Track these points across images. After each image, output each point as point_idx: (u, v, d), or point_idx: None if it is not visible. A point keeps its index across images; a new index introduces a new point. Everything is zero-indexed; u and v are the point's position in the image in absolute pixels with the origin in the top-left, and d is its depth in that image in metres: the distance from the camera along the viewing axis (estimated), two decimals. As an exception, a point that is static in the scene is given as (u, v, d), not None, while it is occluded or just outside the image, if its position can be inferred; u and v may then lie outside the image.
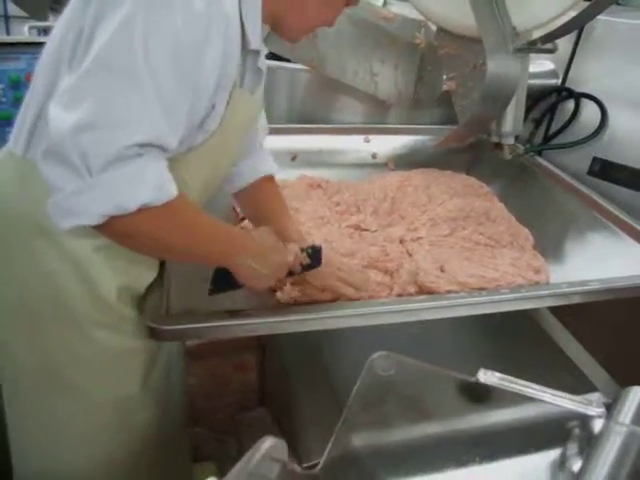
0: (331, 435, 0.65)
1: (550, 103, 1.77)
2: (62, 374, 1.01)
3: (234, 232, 1.00)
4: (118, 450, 1.12)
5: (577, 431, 0.77)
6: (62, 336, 0.98)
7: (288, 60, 1.72)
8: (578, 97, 1.69)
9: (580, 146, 1.66)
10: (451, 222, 1.39)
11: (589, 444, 0.72)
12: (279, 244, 1.03)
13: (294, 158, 1.70)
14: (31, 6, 2.11)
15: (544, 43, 1.44)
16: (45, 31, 1.80)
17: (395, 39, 1.68)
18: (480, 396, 0.85)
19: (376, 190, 1.55)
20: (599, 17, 1.40)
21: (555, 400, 0.70)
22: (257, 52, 0.96)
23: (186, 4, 0.75)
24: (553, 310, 1.58)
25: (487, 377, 0.69)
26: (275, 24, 0.99)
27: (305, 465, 1.10)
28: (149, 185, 0.76)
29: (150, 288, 1.05)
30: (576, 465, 0.74)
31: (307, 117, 1.80)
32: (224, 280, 0.98)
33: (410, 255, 1.27)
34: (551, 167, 1.69)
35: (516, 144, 1.69)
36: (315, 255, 1.08)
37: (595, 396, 1.31)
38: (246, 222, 1.41)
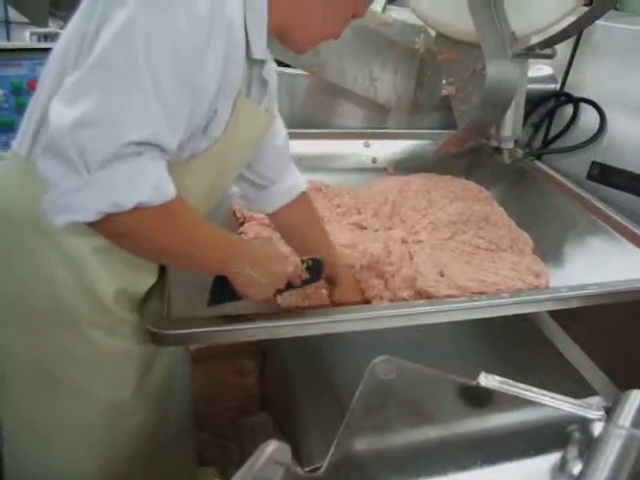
0: (333, 439, 0.65)
1: (549, 108, 1.78)
2: (58, 374, 1.01)
3: (233, 239, 0.99)
4: (112, 452, 1.11)
5: (577, 434, 0.77)
6: (59, 336, 0.98)
7: (288, 65, 1.73)
8: (577, 102, 1.70)
9: (579, 150, 1.67)
10: (451, 226, 1.39)
11: (589, 447, 0.72)
12: (279, 254, 1.02)
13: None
14: (32, 12, 2.12)
15: (543, 48, 1.45)
16: (46, 37, 1.81)
17: (394, 44, 1.69)
18: (481, 400, 0.85)
19: (376, 194, 1.55)
20: (597, 22, 1.41)
21: (555, 403, 0.70)
22: (262, 62, 0.96)
23: (189, 7, 0.75)
24: (553, 314, 1.58)
25: (488, 381, 0.69)
26: (281, 35, 0.98)
27: (307, 469, 1.10)
28: (147, 184, 0.76)
29: (150, 292, 1.05)
30: (576, 468, 0.74)
31: (307, 122, 1.81)
32: (223, 290, 0.97)
33: (411, 257, 1.27)
34: (550, 171, 1.70)
35: (515, 148, 1.70)
36: (315, 268, 1.06)
37: (595, 400, 1.31)
38: (246, 226, 1.42)
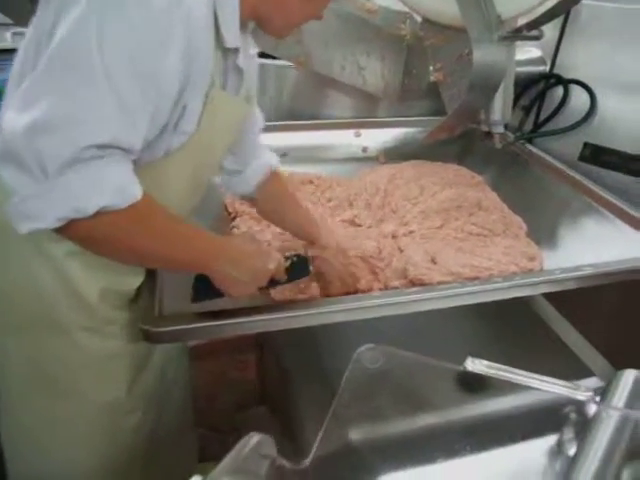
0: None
1: (539, 90, 1.77)
2: (51, 376, 1.01)
3: (210, 238, 0.94)
4: (110, 452, 1.12)
5: (573, 416, 0.77)
6: (48, 339, 0.98)
7: (275, 57, 1.72)
8: (567, 83, 1.69)
9: (570, 132, 1.66)
10: (443, 213, 1.38)
11: (584, 429, 0.72)
12: (261, 251, 0.98)
13: (284, 155, 1.70)
14: (15, 13, 2.10)
15: (529, 30, 1.43)
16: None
17: (380, 32, 1.68)
18: (475, 385, 0.85)
19: (367, 184, 1.55)
20: (584, 2, 1.41)
21: (543, 386, 0.70)
22: (236, 50, 0.93)
23: (142, 1, 0.73)
24: (548, 297, 1.58)
25: (475, 365, 0.69)
26: (259, 20, 0.96)
27: (307, 461, 1.10)
28: (109, 188, 0.74)
29: (140, 290, 1.05)
30: (572, 450, 0.74)
31: (296, 114, 1.80)
32: (205, 288, 0.95)
33: (401, 251, 1.27)
34: (542, 154, 1.69)
35: (506, 132, 1.69)
36: (301, 264, 1.05)
37: (592, 381, 1.31)
38: (238, 221, 1.41)
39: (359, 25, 1.67)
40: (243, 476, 0.41)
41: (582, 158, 1.65)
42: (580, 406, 0.76)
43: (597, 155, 1.62)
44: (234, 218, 1.43)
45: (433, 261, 1.19)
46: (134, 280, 1.02)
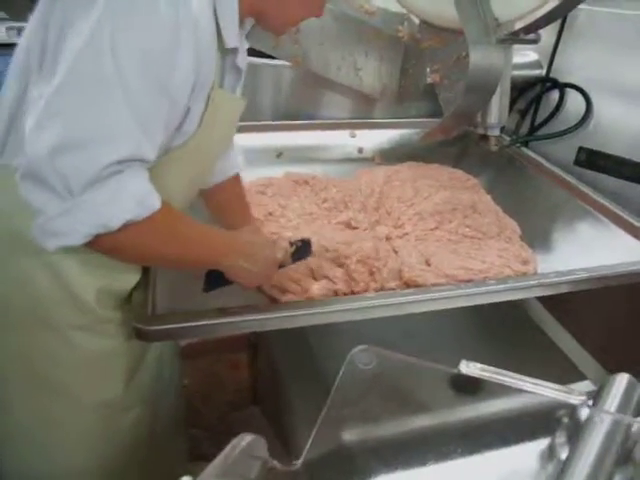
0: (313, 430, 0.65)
1: (535, 94, 1.77)
2: (46, 376, 1.01)
3: (221, 235, 1.00)
4: (107, 451, 1.12)
5: (565, 420, 0.77)
6: (43, 338, 0.97)
7: (272, 57, 1.72)
8: (563, 87, 1.70)
9: (566, 136, 1.66)
10: (437, 216, 1.38)
11: (576, 433, 0.72)
12: (267, 241, 1.03)
13: (279, 155, 1.70)
14: (11, 7, 2.09)
15: (527, 34, 1.43)
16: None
17: (378, 33, 1.68)
18: (467, 388, 0.85)
19: (363, 185, 1.54)
20: (581, 6, 1.40)
21: (537, 389, 0.70)
22: (235, 50, 0.94)
23: (151, 11, 0.73)
24: (542, 300, 1.59)
25: (469, 369, 0.69)
26: (258, 17, 0.97)
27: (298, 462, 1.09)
28: (131, 201, 0.76)
29: (135, 289, 1.05)
30: (564, 453, 0.74)
31: (292, 114, 1.80)
32: (217, 278, 0.99)
33: (396, 252, 1.26)
34: (538, 158, 1.69)
35: (502, 135, 1.70)
36: (305, 248, 1.09)
37: (584, 384, 1.31)
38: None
39: (357, 26, 1.67)
40: (232, 478, 0.41)
41: (577, 162, 1.65)
42: (572, 410, 0.76)
43: (592, 159, 1.62)
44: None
45: (427, 263, 1.19)
46: (130, 279, 1.03)
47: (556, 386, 0.70)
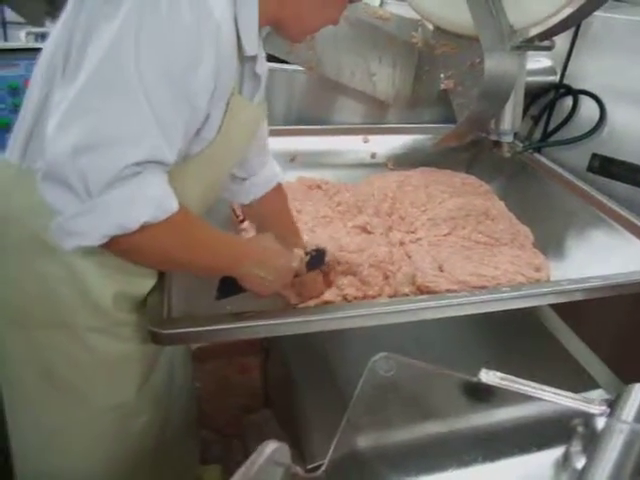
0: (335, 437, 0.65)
1: (548, 100, 1.77)
2: (59, 378, 1.01)
3: (237, 242, 1.01)
4: (119, 453, 1.12)
5: (581, 429, 0.77)
6: (57, 340, 0.98)
7: (286, 61, 1.72)
8: (576, 94, 1.69)
9: (579, 143, 1.66)
10: (450, 221, 1.39)
11: (592, 442, 0.72)
12: (283, 250, 1.03)
13: (293, 159, 1.70)
14: (28, 12, 2.11)
15: (541, 40, 1.43)
16: (42, 37, 1.80)
17: (392, 39, 1.68)
18: (483, 395, 0.85)
19: (376, 190, 1.55)
20: (596, 13, 1.40)
21: (557, 399, 0.70)
22: (254, 58, 0.95)
23: (175, 17, 0.74)
24: (555, 308, 1.58)
25: (489, 377, 0.69)
26: (277, 26, 0.98)
27: (309, 467, 1.10)
28: (149, 203, 0.76)
29: (151, 292, 1.05)
30: (579, 463, 0.74)
31: (305, 118, 1.80)
32: (230, 286, 0.99)
33: (409, 257, 1.27)
34: (550, 164, 1.69)
35: (515, 142, 1.69)
36: (319, 256, 1.10)
37: (597, 393, 1.30)
38: (246, 224, 1.42)
39: (371, 32, 1.67)
40: (257, 485, 0.41)
41: (590, 169, 1.65)
42: (588, 419, 0.76)
43: (606, 166, 1.61)
44: (242, 221, 1.43)
45: (440, 269, 1.19)
46: (147, 283, 1.03)
47: (575, 396, 0.70)
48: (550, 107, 1.77)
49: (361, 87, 1.75)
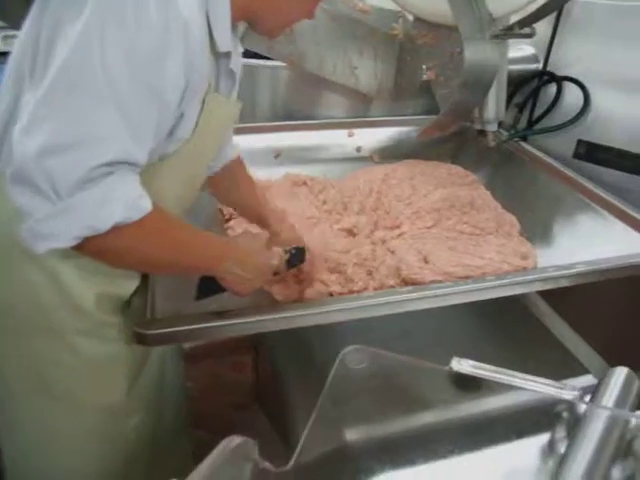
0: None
1: (532, 88, 1.76)
2: (48, 380, 1.01)
3: (216, 241, 0.98)
4: (111, 454, 1.12)
5: (565, 415, 0.77)
6: (45, 343, 0.98)
7: (268, 58, 1.72)
8: (560, 80, 1.69)
9: (564, 129, 1.66)
10: (435, 213, 1.38)
11: (574, 427, 0.72)
12: (263, 249, 1.02)
13: (277, 156, 1.70)
14: (10, 16, 2.09)
15: (521, 28, 1.43)
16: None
17: (373, 31, 1.68)
18: (467, 385, 0.84)
19: (361, 185, 1.54)
20: (576, -1, 1.40)
21: (529, 385, 0.70)
22: (228, 54, 0.94)
23: (140, 14, 0.73)
24: (543, 295, 1.58)
25: (461, 366, 0.68)
26: (251, 21, 0.96)
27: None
28: (120, 204, 0.75)
29: (134, 293, 1.05)
30: (564, 448, 0.73)
31: (290, 114, 1.79)
32: (209, 286, 0.98)
33: (392, 252, 1.26)
34: (536, 152, 1.68)
35: (500, 130, 1.69)
36: (298, 255, 1.08)
37: (587, 378, 1.31)
38: (232, 223, 1.41)
39: (351, 25, 1.67)
40: (219, 480, 0.41)
41: (576, 155, 1.64)
42: (572, 405, 0.75)
43: (591, 152, 1.61)
44: (228, 220, 1.43)
45: (425, 261, 1.19)
46: (130, 283, 1.03)
47: (549, 381, 0.70)
48: (534, 95, 1.77)
49: (343, 80, 1.74)
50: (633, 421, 0.67)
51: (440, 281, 1.14)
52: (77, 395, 1.04)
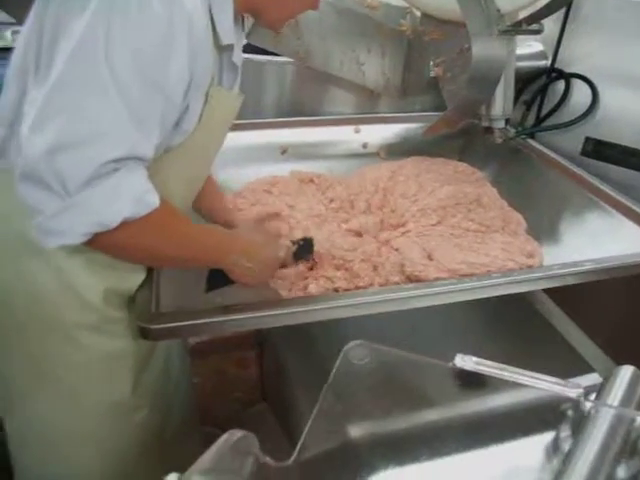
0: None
1: (540, 85, 1.75)
2: (54, 376, 1.02)
3: (223, 234, 1.01)
4: (118, 450, 1.12)
5: (570, 413, 0.76)
6: (51, 339, 0.98)
7: (275, 54, 1.71)
8: (568, 77, 1.67)
9: (572, 127, 1.64)
10: (440, 211, 1.37)
11: (579, 426, 0.71)
12: (270, 240, 1.03)
13: (284, 152, 1.70)
14: (18, 12, 2.10)
15: (530, 24, 1.42)
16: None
17: (381, 27, 1.67)
18: (474, 382, 0.84)
19: (368, 182, 1.53)
20: (585, -5, 1.39)
21: (532, 383, 0.69)
22: (231, 47, 0.94)
23: (144, 10, 0.73)
24: (550, 294, 1.57)
25: (464, 362, 0.68)
26: (254, 13, 0.97)
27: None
28: (128, 199, 0.76)
29: (139, 287, 1.05)
30: (568, 447, 0.73)
31: (296, 110, 1.79)
32: (219, 278, 0.99)
33: (397, 250, 1.26)
34: (544, 149, 1.67)
35: (507, 127, 1.68)
36: (306, 247, 1.09)
37: (593, 377, 1.30)
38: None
39: (359, 21, 1.66)
40: (217, 474, 0.41)
41: (584, 153, 1.63)
42: (577, 403, 0.75)
43: (599, 150, 1.60)
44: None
45: (430, 258, 1.18)
46: (137, 277, 1.03)
47: (554, 379, 0.69)
48: (542, 92, 1.76)
49: (350, 77, 1.73)
50: (638, 420, 0.66)
51: (444, 278, 1.13)
52: (83, 391, 1.04)
